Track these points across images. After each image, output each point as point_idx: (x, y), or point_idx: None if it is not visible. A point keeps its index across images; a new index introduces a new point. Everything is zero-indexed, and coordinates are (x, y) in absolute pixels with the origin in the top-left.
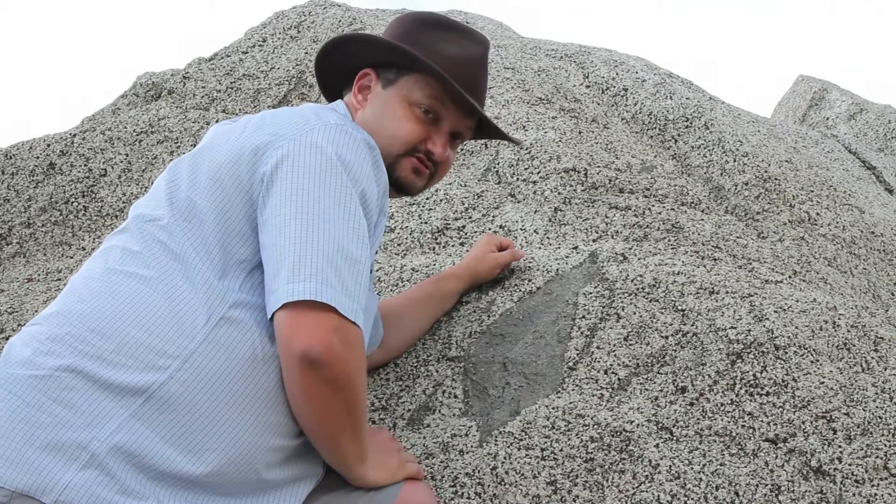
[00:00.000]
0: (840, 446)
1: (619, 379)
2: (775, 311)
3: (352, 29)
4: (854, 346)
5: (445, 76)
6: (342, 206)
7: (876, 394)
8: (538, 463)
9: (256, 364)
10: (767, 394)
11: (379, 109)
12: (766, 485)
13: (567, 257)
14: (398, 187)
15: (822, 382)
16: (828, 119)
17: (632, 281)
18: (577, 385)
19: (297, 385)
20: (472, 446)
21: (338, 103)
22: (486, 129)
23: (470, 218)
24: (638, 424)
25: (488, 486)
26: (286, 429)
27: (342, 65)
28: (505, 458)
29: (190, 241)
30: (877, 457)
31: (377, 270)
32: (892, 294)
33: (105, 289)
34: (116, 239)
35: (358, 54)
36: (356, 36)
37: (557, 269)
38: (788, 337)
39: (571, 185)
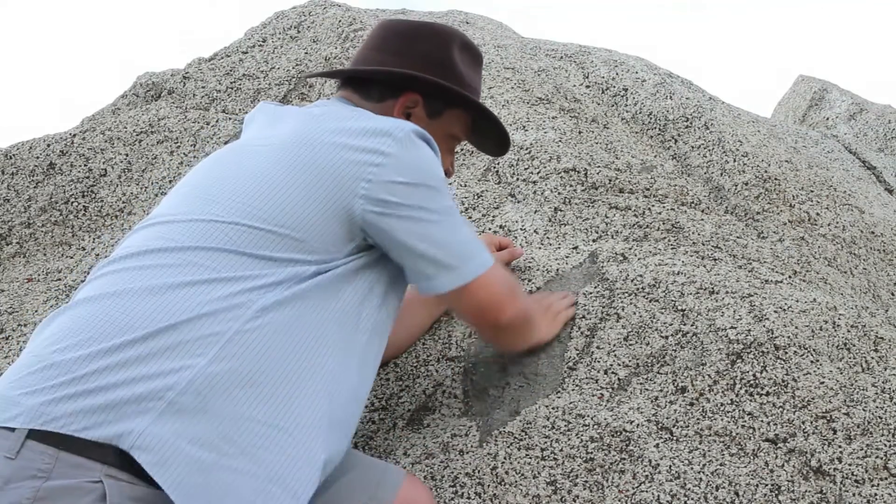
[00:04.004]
0: (840, 446)
1: (619, 379)
2: (775, 311)
3: (352, 29)
4: (854, 346)
5: (506, 131)
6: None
7: (876, 394)
8: (538, 463)
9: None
10: (767, 394)
11: None
12: (766, 485)
13: (567, 257)
14: None
15: (822, 382)
16: (828, 119)
17: (632, 281)
18: (577, 385)
19: (498, 340)
20: (472, 446)
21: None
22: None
23: (470, 218)
24: (638, 424)
25: (488, 486)
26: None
27: (385, 71)
28: (505, 458)
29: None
30: (877, 457)
31: None
32: (892, 294)
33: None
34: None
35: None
36: (424, 78)
37: (557, 269)
38: (788, 337)
39: (571, 185)
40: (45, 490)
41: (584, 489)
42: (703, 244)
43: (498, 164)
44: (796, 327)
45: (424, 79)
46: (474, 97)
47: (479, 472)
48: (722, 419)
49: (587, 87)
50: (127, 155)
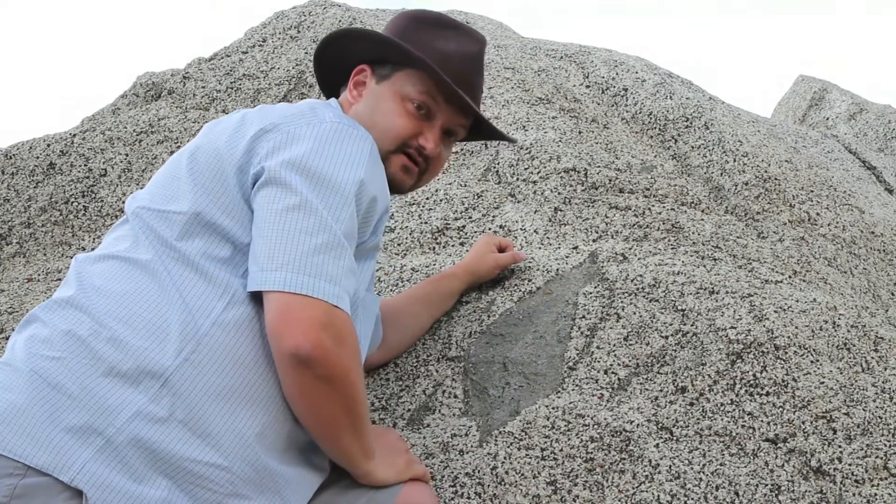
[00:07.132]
0: (840, 446)
1: (619, 379)
2: (775, 311)
3: None
4: (854, 346)
5: (435, 68)
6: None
7: (876, 394)
8: (538, 463)
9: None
10: (767, 394)
11: (372, 104)
12: (766, 485)
13: (567, 257)
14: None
15: (822, 382)
16: (828, 119)
17: (632, 281)
18: (577, 385)
19: (291, 383)
20: (472, 446)
21: (332, 101)
22: (483, 129)
23: (470, 218)
24: (638, 424)
25: (488, 486)
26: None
27: (340, 62)
28: (505, 458)
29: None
30: (877, 457)
31: (377, 270)
32: (892, 294)
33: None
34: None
35: (353, 50)
36: (349, 31)
37: (557, 269)
38: (788, 337)
39: (571, 185)
40: (22, 487)
41: (584, 489)
42: (703, 244)
43: (498, 163)
44: (796, 327)
45: (348, 32)
46: (407, 46)
47: (479, 472)
48: (722, 419)
49: (587, 87)
50: (127, 155)
